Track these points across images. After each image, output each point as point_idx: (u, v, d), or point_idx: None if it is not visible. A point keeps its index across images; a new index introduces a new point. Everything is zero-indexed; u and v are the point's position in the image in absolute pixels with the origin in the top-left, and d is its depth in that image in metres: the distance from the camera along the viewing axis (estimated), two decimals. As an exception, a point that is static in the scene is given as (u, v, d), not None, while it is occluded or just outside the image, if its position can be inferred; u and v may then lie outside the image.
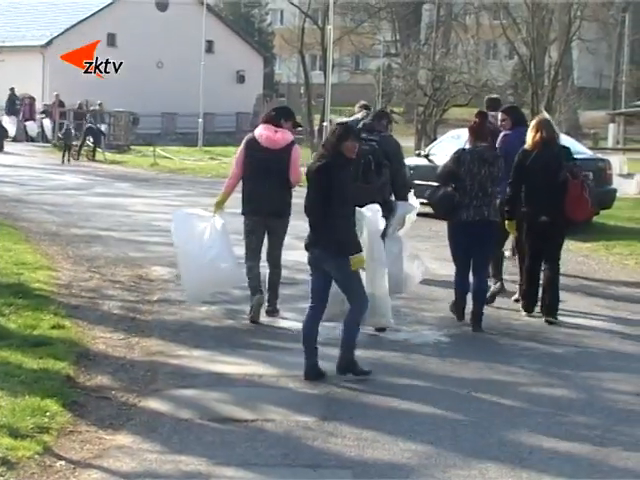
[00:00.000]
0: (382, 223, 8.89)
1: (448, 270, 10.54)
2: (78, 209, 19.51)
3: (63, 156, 33.48)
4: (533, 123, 10.81)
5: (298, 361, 8.35)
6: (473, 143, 10.39)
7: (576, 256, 14.79)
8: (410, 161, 16.59)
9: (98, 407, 7.37)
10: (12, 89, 44.27)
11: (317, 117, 42.64)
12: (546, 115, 11.51)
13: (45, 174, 28.03)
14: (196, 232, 10.11)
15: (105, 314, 10.38)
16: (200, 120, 44.10)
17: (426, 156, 19.21)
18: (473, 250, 10.21)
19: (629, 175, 26.38)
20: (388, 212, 9.74)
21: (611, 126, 42.36)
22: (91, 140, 35.64)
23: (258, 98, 54.80)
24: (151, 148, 36.65)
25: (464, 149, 10.49)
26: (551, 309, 10.57)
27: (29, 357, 8.21)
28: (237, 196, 10.40)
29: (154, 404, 7.53)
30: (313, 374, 8.17)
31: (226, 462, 6.34)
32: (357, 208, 8.46)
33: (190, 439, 6.75)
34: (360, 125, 10.20)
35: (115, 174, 29.85)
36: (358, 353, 8.43)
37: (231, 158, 10.98)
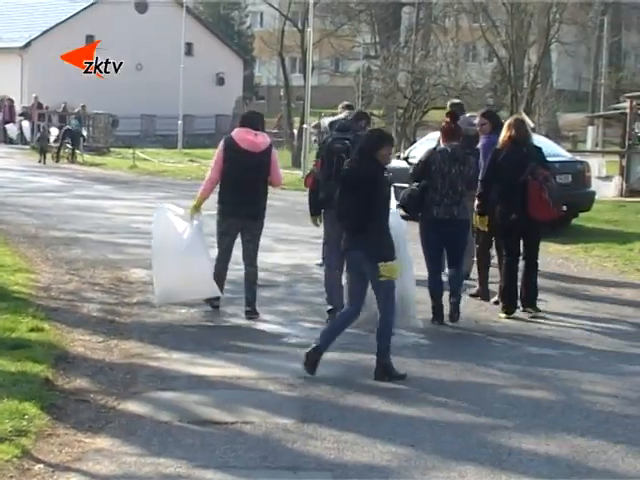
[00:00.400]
0: (405, 225, 9.11)
1: (423, 270, 10.58)
2: (57, 211, 19.44)
3: (40, 158, 33.48)
4: (506, 123, 11.02)
5: (277, 364, 8.35)
6: (445, 143, 10.55)
7: (555, 258, 14.85)
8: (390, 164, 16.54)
9: (77, 410, 7.33)
10: (-9, 91, 44.25)
11: (297, 120, 42.63)
12: (521, 116, 11.60)
13: (24, 176, 27.90)
14: (176, 229, 10.18)
15: (84, 317, 10.34)
16: (180, 122, 44.08)
17: (405, 159, 19.18)
18: (446, 248, 10.50)
19: (608, 177, 26.44)
20: None
21: (590, 129, 42.42)
22: (70, 142, 35.51)
23: (238, 101, 54.83)
24: (130, 150, 36.54)
25: (434, 148, 10.66)
26: (530, 300, 10.69)
27: (7, 360, 8.16)
28: (213, 196, 10.48)
29: (133, 407, 7.51)
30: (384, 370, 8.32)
31: (205, 465, 6.32)
32: None
33: (169, 442, 6.73)
34: (336, 125, 10.35)
35: (94, 176, 29.73)
36: (335, 355, 8.43)
37: (210, 160, 10.97)
